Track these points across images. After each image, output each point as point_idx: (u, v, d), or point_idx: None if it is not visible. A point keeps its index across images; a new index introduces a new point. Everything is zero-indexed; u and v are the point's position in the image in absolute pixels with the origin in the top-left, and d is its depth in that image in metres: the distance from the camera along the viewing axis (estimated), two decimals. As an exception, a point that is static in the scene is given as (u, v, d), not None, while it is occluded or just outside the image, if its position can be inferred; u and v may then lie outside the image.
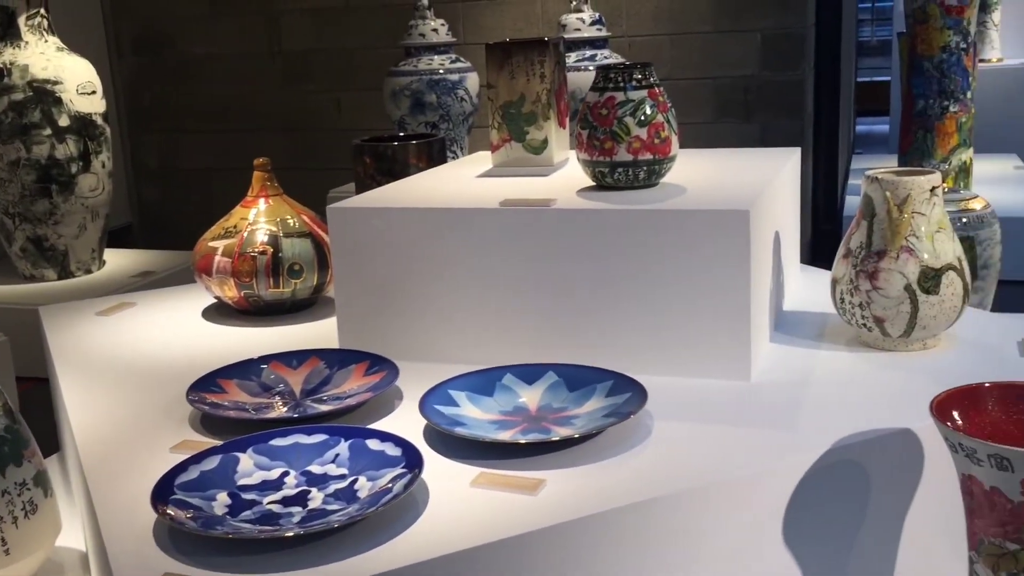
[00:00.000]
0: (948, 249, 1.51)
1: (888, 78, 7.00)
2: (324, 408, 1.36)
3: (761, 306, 1.54)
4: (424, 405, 1.32)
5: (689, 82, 3.81)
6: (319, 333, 1.79)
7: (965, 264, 1.54)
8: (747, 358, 1.45)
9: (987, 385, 1.13)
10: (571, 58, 3.41)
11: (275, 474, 1.16)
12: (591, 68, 3.33)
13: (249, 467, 1.17)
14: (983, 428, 1.10)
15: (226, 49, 4.33)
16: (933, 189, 1.51)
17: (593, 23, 3.47)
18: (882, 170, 1.55)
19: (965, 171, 4.31)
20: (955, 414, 1.10)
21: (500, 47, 1.88)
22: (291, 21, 4.24)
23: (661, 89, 1.64)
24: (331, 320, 1.75)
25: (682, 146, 1.68)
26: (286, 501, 1.12)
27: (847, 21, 5.49)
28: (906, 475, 1.26)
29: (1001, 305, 2.44)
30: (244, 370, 1.48)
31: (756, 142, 3.75)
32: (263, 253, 1.84)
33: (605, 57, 3.44)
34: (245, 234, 1.86)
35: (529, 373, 1.44)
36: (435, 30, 3.56)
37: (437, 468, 1.21)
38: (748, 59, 3.74)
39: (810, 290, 1.88)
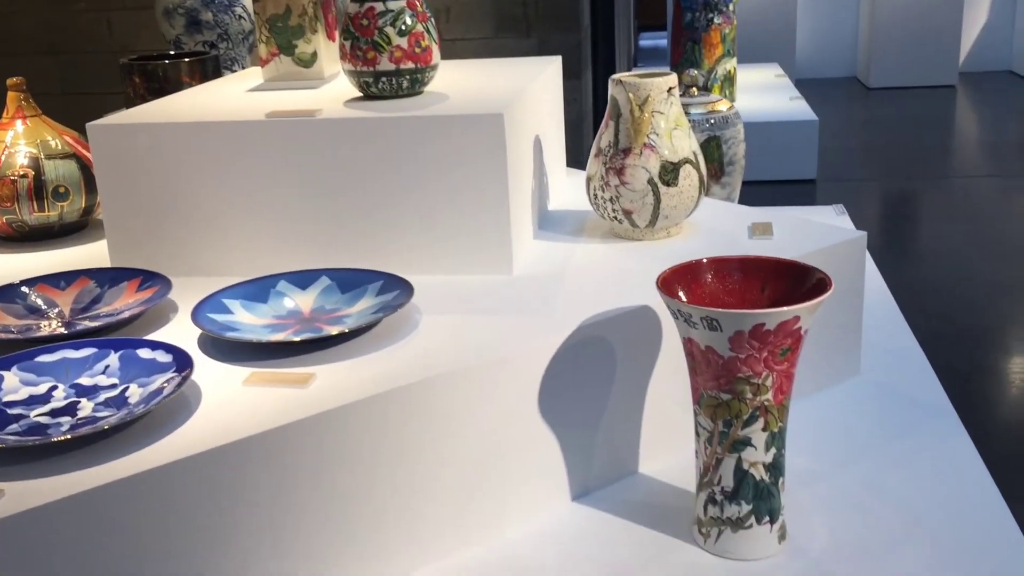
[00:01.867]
0: (685, 145, 1.66)
1: (667, -7, 7.25)
2: (94, 324, 1.37)
3: (523, 205, 1.65)
4: (197, 314, 1.35)
5: (470, -3, 3.86)
6: (91, 256, 1.77)
7: (700, 158, 1.69)
8: (509, 254, 1.56)
9: (704, 261, 1.28)
10: (349, -28, 3.38)
11: (42, 389, 1.17)
12: (369, -18, 3.32)
13: (14, 384, 1.17)
14: (702, 298, 1.25)
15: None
16: (670, 90, 1.65)
17: (369, -64, 3.44)
18: (625, 74, 1.67)
19: (730, 80, 4.60)
20: (678, 288, 1.24)
21: (262, -41, 1.88)
22: (48, -65, 3.97)
23: (421, 0, 1.69)
24: (103, 243, 1.73)
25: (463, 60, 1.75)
26: (55, 413, 1.14)
27: (623, -65, 5.65)
28: (645, 345, 1.41)
29: (750, 200, 2.68)
30: (7, 294, 1.46)
31: (535, 55, 3.85)
32: (24, 176, 1.78)
33: (383, -29, 3.43)
34: (3, 158, 1.80)
35: (302, 279, 1.49)
36: (206, -57, 3.43)
37: (210, 372, 1.25)
38: (526, -27, 3.82)
39: (575, 190, 2.01)
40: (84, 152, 1.86)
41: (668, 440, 1.45)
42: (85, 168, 1.84)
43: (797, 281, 1.24)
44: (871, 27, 6.57)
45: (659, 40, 8.70)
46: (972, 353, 2.77)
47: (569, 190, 2.02)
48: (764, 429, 1.18)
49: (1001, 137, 5.50)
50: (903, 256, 3.59)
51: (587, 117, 4.06)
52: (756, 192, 3.71)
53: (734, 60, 4.66)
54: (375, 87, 1.67)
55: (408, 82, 1.67)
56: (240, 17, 3.48)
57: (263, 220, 1.61)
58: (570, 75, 3.84)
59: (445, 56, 1.86)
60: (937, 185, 4.53)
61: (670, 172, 1.64)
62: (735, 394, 1.16)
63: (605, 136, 1.68)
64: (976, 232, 3.80)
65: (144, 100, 2.26)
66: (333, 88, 1.84)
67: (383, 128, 1.55)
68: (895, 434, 1.53)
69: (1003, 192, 4.39)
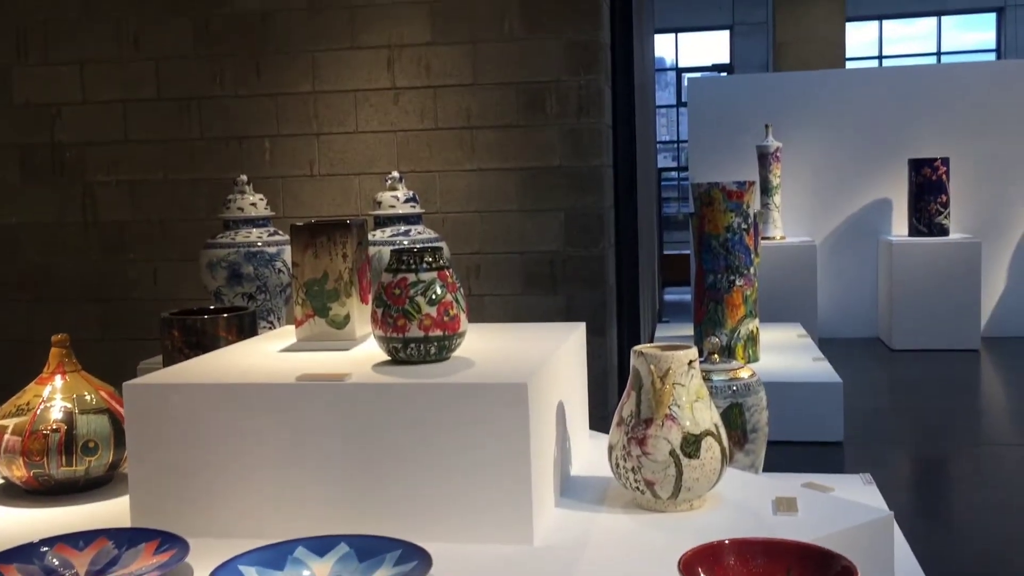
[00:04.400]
0: (706, 417, 1.68)
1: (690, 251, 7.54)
2: (107, 589, 1.35)
3: (544, 473, 1.65)
4: (211, 581, 1.33)
5: (499, 256, 4.04)
6: (113, 512, 1.77)
7: (722, 430, 1.70)
8: (529, 523, 1.55)
9: (727, 542, 1.26)
10: (386, 233, 3.57)
11: (48, 659, 1.14)
12: (405, 243, 3.49)
13: (20, 653, 1.14)
14: (725, 582, 1.22)
15: (41, 218, 4.28)
16: (691, 362, 1.69)
17: (407, 200, 3.66)
18: (647, 346, 1.72)
19: (753, 339, 4.68)
20: (700, 571, 1.22)
21: (305, 228, 2.00)
22: (107, 192, 4.26)
23: (451, 271, 1.78)
24: (126, 498, 1.74)
25: (492, 317, 1.81)
26: None
27: (646, 201, 5.97)
28: (668, 629, 1.36)
29: (776, 464, 2.66)
30: (25, 555, 1.45)
31: (562, 312, 3.97)
32: (56, 431, 1.82)
33: (419, 232, 3.62)
34: (38, 411, 1.84)
35: (321, 545, 1.47)
36: (254, 204, 3.65)
37: (219, 645, 1.22)
38: (553, 236, 4.01)
39: (598, 455, 2.01)
40: (117, 407, 1.90)
41: None
42: (116, 423, 1.88)
43: (823, 567, 1.21)
44: (891, 290, 6.73)
45: (684, 295, 8.93)
46: (1015, 635, 2.64)
47: (592, 454, 2.02)
48: None
49: (1028, 402, 5.48)
50: (934, 527, 3.49)
51: (612, 373, 4.13)
52: (782, 454, 3.68)
53: (756, 320, 4.77)
54: (404, 353, 1.73)
55: (436, 349, 1.73)
56: (280, 271, 3.65)
57: (286, 482, 1.61)
58: (595, 331, 3.94)
59: (474, 312, 1.93)
60: (967, 452, 4.47)
61: (692, 444, 1.64)
62: None
63: (627, 406, 1.70)
64: (1008, 503, 3.71)
65: (181, 352, 2.33)
66: (364, 350, 1.90)
67: (409, 394, 1.58)
68: None
69: (1035, 459, 4.33)
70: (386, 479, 1.58)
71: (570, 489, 1.81)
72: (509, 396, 1.54)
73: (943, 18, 14.61)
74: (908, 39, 14.92)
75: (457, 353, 1.80)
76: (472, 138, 4.04)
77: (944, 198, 6.68)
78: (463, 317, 1.76)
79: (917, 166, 6.72)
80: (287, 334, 2.12)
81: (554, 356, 1.81)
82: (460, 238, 4.03)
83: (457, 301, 1.75)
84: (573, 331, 2.08)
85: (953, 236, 6.76)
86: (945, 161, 6.69)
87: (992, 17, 14.29)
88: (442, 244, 3.60)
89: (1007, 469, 4.18)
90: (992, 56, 14.16)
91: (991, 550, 3.22)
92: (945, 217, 6.68)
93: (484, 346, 1.89)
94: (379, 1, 4.05)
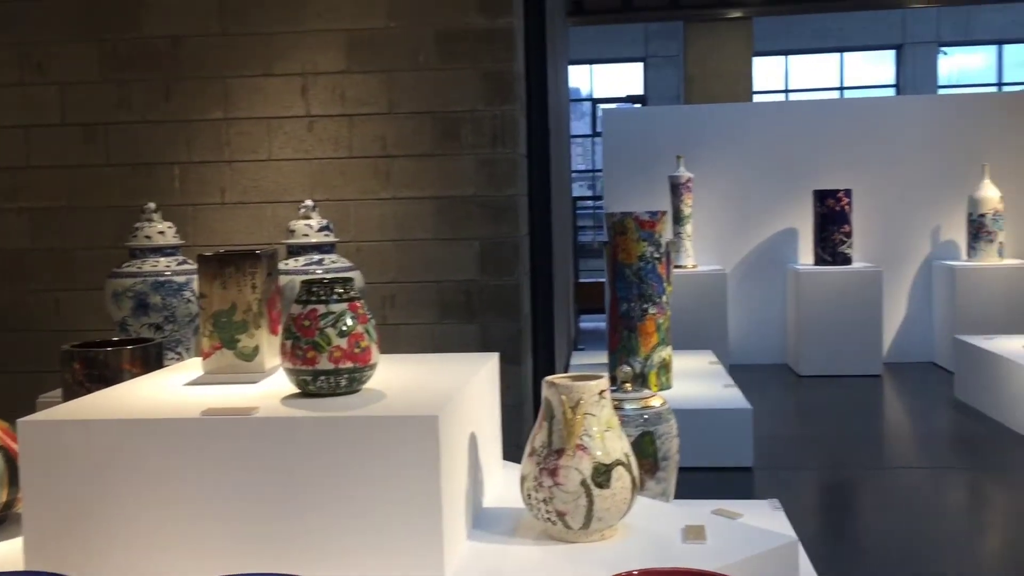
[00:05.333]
0: (616, 446, 1.69)
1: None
2: (-3, 636, 1.29)
3: (456, 506, 1.64)
4: (108, 625, 1.29)
5: (414, 285, 4.02)
6: (5, 555, 1.70)
7: (632, 459, 1.72)
8: (440, 557, 1.53)
9: (635, 573, 1.27)
10: (299, 262, 3.52)
11: None
12: (319, 272, 3.46)
13: None
14: (633, 612, 1.23)
15: (-68, 245, 4.12)
16: (601, 392, 1.71)
17: (321, 229, 3.62)
18: (558, 376, 1.73)
19: (665, 367, 4.75)
20: (609, 601, 1.22)
21: (213, 258, 1.96)
22: (6, 220, 4.12)
23: (362, 302, 1.77)
24: (20, 540, 1.67)
25: (408, 345, 1.80)
26: None
27: (561, 229, 6.02)
28: (578, 661, 1.36)
29: (687, 491, 2.70)
30: (-91, 599, 1.38)
31: (478, 341, 3.97)
32: (-55, 469, 1.74)
33: (333, 261, 3.58)
34: (-74, 449, 1.76)
35: (225, 584, 1.44)
36: (161, 232, 3.57)
37: None
38: (468, 265, 4.01)
39: (510, 486, 2.01)
40: (12, 444, 1.83)
41: None
42: (11, 461, 1.81)
43: (728, 595, 1.23)
44: (798, 317, 6.91)
45: (600, 322, 9.02)
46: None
47: (505, 485, 2.02)
48: None
49: (929, 428, 5.67)
50: (839, 550, 3.58)
51: (527, 402, 4.13)
52: (693, 481, 3.73)
53: (669, 348, 4.84)
54: (313, 385, 1.70)
55: (347, 381, 1.71)
56: (189, 301, 3.57)
57: (192, 521, 1.57)
58: (511, 360, 3.95)
59: (389, 341, 1.92)
60: (870, 476, 4.60)
61: (602, 474, 1.66)
62: None
63: (539, 436, 1.71)
64: (910, 526, 3.83)
65: (83, 386, 2.26)
66: (273, 382, 1.87)
67: (318, 428, 1.56)
68: None
69: (934, 483, 4.47)
70: (295, 515, 1.55)
71: (482, 521, 1.80)
72: (420, 429, 1.54)
73: (845, 54, 15.16)
74: (814, 73, 15.43)
75: (368, 385, 1.79)
76: (387, 167, 4.03)
77: (847, 228, 6.90)
78: (374, 349, 1.75)
79: (821, 197, 6.93)
80: (194, 366, 2.08)
81: (467, 387, 1.80)
82: (375, 267, 4.00)
83: (368, 332, 1.74)
84: (486, 361, 2.08)
85: (856, 265, 6.98)
86: (848, 192, 6.92)
87: (892, 54, 14.88)
88: (356, 273, 3.57)
89: (909, 492, 4.31)
90: (892, 91, 14.73)
91: (894, 573, 3.31)
92: (848, 247, 6.90)
93: (396, 378, 1.88)
94: (294, 28, 4.02)
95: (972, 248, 6.91)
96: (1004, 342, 5.65)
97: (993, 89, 14.32)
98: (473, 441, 1.81)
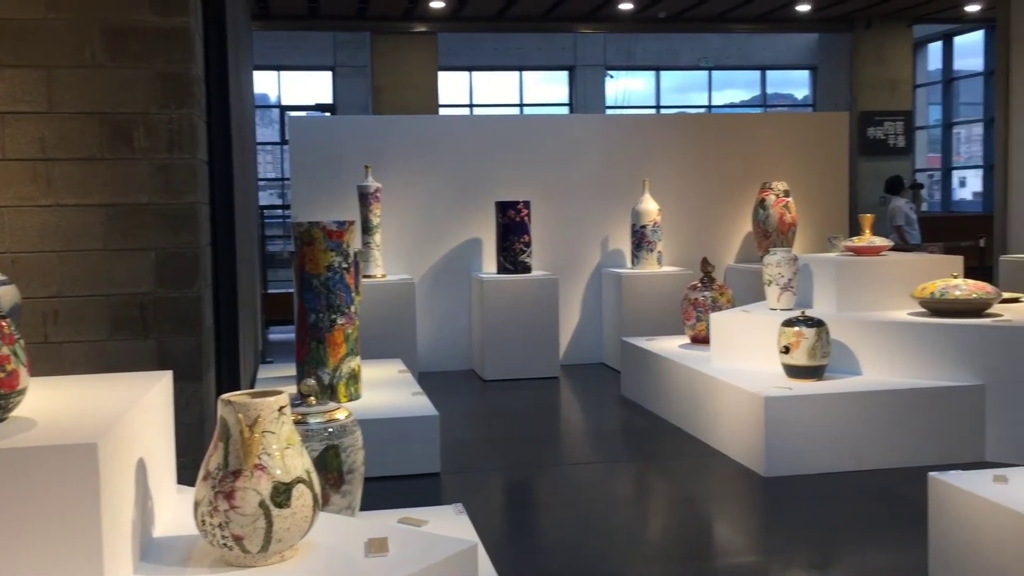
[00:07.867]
0: (297, 463, 1.66)
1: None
2: None
3: (120, 538, 1.53)
4: None
5: (81, 299, 3.71)
6: None
7: (314, 475, 1.69)
8: (103, 595, 1.42)
9: (313, 593, 1.24)
10: (-61, 275, 3.14)
11: None
12: (-37, 286, 3.10)
13: None
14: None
15: None
16: (281, 408, 1.66)
17: (-33, 239, 3.25)
18: (235, 394, 1.66)
19: (355, 377, 4.74)
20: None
21: None
22: None
23: (8, 320, 1.60)
24: None
25: (75, 366, 1.64)
26: None
27: (246, 239, 5.83)
28: None
29: (373, 502, 2.69)
30: None
31: (154, 358, 3.74)
32: None
33: (-19, 274, 3.23)
34: None
35: None
36: None
37: None
38: (143, 277, 3.77)
39: (185, 512, 1.90)
40: None
41: None
42: None
43: (406, 607, 1.24)
44: (482, 324, 7.16)
45: (290, 333, 8.83)
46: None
47: (178, 512, 1.92)
48: None
49: (600, 424, 6.08)
50: (521, 548, 3.74)
51: (208, 421, 3.94)
52: (380, 491, 3.75)
53: (358, 358, 4.83)
54: (-50, 416, 1.52)
55: (-10, 409, 1.54)
56: None
57: None
58: (190, 377, 3.75)
59: (52, 361, 1.75)
60: (550, 474, 4.86)
61: (282, 493, 1.61)
62: None
63: (214, 458, 1.64)
64: (586, 520, 4.08)
65: None
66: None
67: (-45, 464, 1.39)
68: None
69: (605, 476, 4.80)
70: (-75, 564, 1.37)
71: (152, 552, 1.70)
72: (76, 459, 1.41)
73: (524, 73, 15.94)
74: (496, 89, 16.10)
75: (17, 412, 1.62)
76: (48, 171, 3.69)
77: (527, 238, 7.25)
78: (23, 372, 1.59)
79: (503, 208, 7.24)
80: None
81: (134, 409, 1.69)
82: (34, 280, 3.65)
83: (16, 354, 1.58)
84: (158, 380, 1.96)
85: (535, 273, 7.35)
86: (527, 204, 7.27)
87: (565, 75, 15.85)
88: (10, 288, 3.24)
89: (584, 487, 4.60)
90: (566, 109, 15.69)
91: (574, 567, 3.51)
92: (528, 256, 7.25)
93: (52, 403, 1.72)
94: (-69, 12, 3.58)
95: (635, 256, 7.52)
96: (664, 342, 6.20)
97: (652, 111, 15.68)
98: (142, 467, 1.70)
